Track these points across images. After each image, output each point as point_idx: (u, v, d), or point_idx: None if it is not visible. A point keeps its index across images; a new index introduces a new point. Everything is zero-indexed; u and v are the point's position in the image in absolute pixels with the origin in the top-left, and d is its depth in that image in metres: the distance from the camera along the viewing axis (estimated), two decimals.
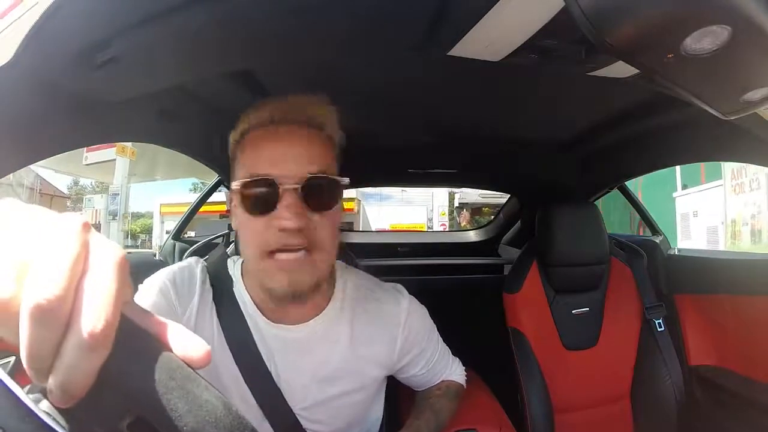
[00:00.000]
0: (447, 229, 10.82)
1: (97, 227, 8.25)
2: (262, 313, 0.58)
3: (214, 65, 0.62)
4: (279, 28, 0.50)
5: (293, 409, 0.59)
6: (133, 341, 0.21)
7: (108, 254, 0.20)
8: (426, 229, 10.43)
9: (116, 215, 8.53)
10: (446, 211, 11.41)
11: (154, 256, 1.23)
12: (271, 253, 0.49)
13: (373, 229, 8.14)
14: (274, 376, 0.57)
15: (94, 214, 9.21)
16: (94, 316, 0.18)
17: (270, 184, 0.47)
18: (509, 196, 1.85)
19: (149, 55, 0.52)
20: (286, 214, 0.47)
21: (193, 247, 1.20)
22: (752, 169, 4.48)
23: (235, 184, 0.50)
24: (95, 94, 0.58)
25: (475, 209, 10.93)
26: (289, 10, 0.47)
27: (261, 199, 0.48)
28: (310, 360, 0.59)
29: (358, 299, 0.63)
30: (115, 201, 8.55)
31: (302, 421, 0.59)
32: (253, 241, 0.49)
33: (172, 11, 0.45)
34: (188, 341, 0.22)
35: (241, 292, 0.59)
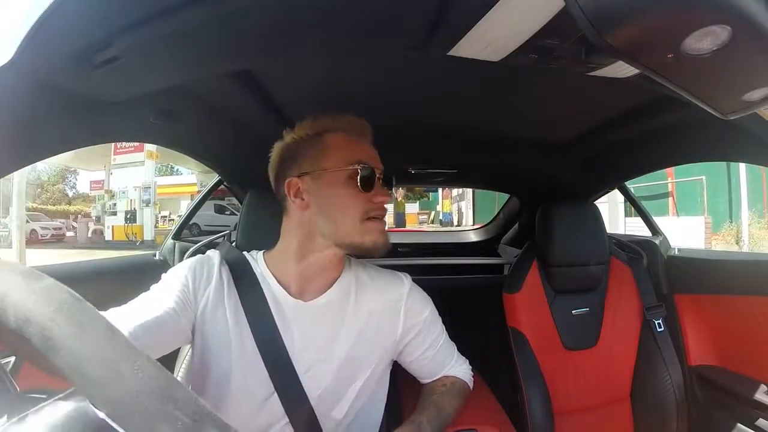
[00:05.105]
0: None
1: (134, 213, 10.25)
2: (286, 290, 0.66)
3: (214, 65, 0.62)
4: (279, 28, 0.50)
5: (300, 378, 0.64)
6: None
7: None
8: None
9: (149, 203, 11.65)
10: None
11: (154, 256, 1.23)
12: (370, 218, 0.64)
13: None
14: (288, 347, 0.64)
15: (130, 203, 11.84)
16: None
17: (373, 171, 0.64)
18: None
19: (149, 55, 0.52)
20: (384, 192, 0.65)
21: (194, 247, 1.20)
22: None
23: (342, 166, 0.63)
24: (95, 94, 0.58)
25: (408, 187, 13.59)
26: (289, 10, 0.47)
27: (367, 180, 0.63)
28: (323, 328, 0.66)
29: (361, 273, 0.73)
30: (147, 192, 11.59)
31: (307, 389, 0.64)
32: (357, 208, 0.63)
33: (171, 11, 0.45)
34: None
35: (264, 274, 0.67)
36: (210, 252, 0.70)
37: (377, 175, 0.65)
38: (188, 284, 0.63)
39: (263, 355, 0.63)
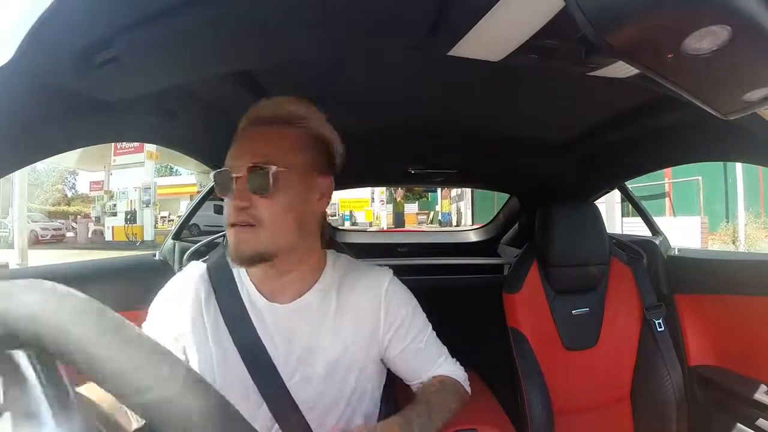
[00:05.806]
0: (385, 202, 14.76)
1: (134, 213, 10.38)
2: (262, 294, 0.65)
3: (214, 65, 0.62)
4: (279, 28, 0.50)
5: (286, 383, 0.62)
6: None
7: None
8: (369, 203, 13.96)
9: (149, 203, 11.81)
10: (383, 189, 14.48)
11: (154, 256, 1.23)
12: (231, 225, 0.60)
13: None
14: (270, 351, 0.62)
15: (130, 204, 12.03)
16: None
17: (227, 173, 0.60)
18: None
19: (149, 55, 0.52)
20: (237, 195, 0.59)
21: (194, 247, 1.20)
22: None
23: (212, 174, 0.62)
24: (95, 94, 0.58)
25: (408, 188, 13.94)
26: (289, 10, 0.47)
27: (223, 185, 0.60)
28: (304, 330, 0.65)
29: (345, 274, 0.71)
30: (147, 192, 11.77)
31: (294, 395, 0.62)
32: (226, 216, 0.61)
33: (172, 11, 0.45)
34: None
35: (243, 280, 0.67)
36: (188, 267, 0.71)
37: (234, 176, 0.59)
38: (164, 315, 0.65)
39: (245, 359, 0.62)
